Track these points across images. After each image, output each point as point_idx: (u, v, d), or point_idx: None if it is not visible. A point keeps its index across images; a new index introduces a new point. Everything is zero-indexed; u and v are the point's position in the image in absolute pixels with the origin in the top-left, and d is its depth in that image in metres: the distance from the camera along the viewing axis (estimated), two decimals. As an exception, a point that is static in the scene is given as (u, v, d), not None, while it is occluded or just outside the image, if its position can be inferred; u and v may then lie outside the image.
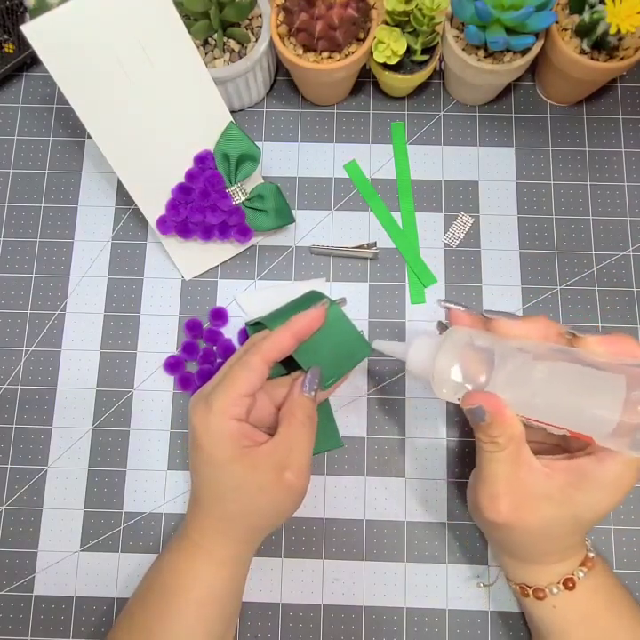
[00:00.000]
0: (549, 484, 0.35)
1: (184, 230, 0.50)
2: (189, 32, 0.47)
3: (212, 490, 0.40)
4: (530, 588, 0.39)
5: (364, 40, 0.49)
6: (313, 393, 0.41)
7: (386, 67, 0.50)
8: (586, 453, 0.35)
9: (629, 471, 0.34)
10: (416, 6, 0.46)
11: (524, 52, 0.48)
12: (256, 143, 0.50)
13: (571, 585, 0.38)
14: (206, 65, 0.48)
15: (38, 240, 0.53)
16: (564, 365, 0.33)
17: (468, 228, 0.53)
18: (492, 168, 0.54)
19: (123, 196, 0.54)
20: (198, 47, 0.49)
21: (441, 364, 0.36)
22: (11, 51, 0.54)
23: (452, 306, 0.39)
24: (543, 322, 0.36)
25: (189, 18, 0.48)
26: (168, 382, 0.51)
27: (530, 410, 0.34)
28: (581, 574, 0.38)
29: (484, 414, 0.34)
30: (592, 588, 0.39)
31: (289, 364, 0.44)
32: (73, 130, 0.55)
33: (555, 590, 0.38)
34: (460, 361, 0.36)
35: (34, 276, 0.53)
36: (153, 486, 0.49)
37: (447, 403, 0.50)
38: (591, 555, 0.40)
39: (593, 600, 0.39)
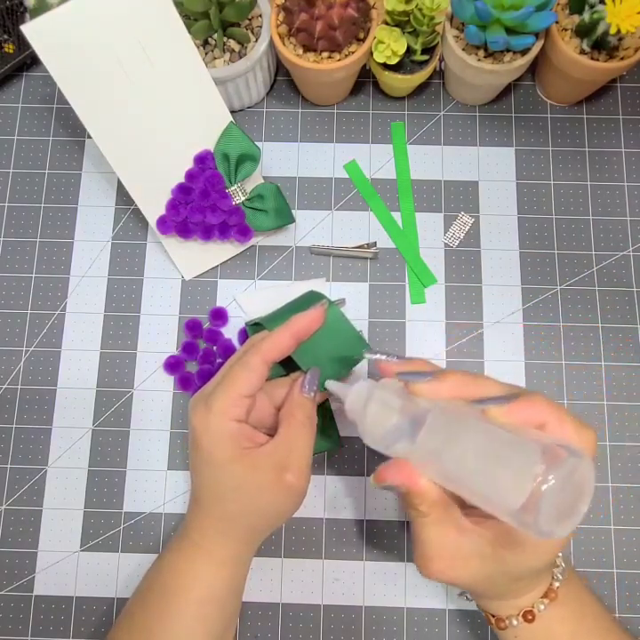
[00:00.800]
0: (479, 543, 0.33)
1: (184, 230, 0.50)
2: (189, 32, 0.47)
3: (211, 490, 0.40)
4: (493, 616, 0.38)
5: (364, 40, 0.49)
6: (312, 394, 0.40)
7: (386, 67, 0.50)
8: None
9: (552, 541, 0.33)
10: (416, 6, 0.46)
11: (524, 52, 0.48)
12: (256, 143, 0.50)
13: (530, 617, 0.36)
14: (206, 65, 0.48)
15: (38, 240, 0.53)
16: (478, 433, 0.30)
17: (468, 228, 0.53)
18: (492, 168, 0.54)
19: (123, 196, 0.54)
20: (198, 47, 0.49)
21: (367, 420, 0.35)
22: (11, 51, 0.54)
23: (380, 357, 0.37)
24: (456, 382, 0.33)
25: (189, 18, 0.48)
26: (168, 382, 0.51)
27: (440, 477, 0.33)
28: (542, 607, 0.36)
29: (399, 486, 0.33)
30: (557, 618, 0.37)
31: (288, 365, 0.44)
32: (73, 130, 0.55)
33: (514, 622, 0.36)
34: (383, 418, 0.34)
35: (34, 275, 0.53)
36: (153, 486, 0.49)
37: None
38: (556, 585, 0.36)
39: (557, 632, 0.37)
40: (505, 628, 0.37)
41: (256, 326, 0.45)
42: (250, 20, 0.50)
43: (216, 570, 0.40)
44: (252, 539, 0.42)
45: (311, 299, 0.44)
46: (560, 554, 0.37)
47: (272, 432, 0.41)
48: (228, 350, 0.50)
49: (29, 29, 0.44)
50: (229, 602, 0.42)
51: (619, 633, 0.38)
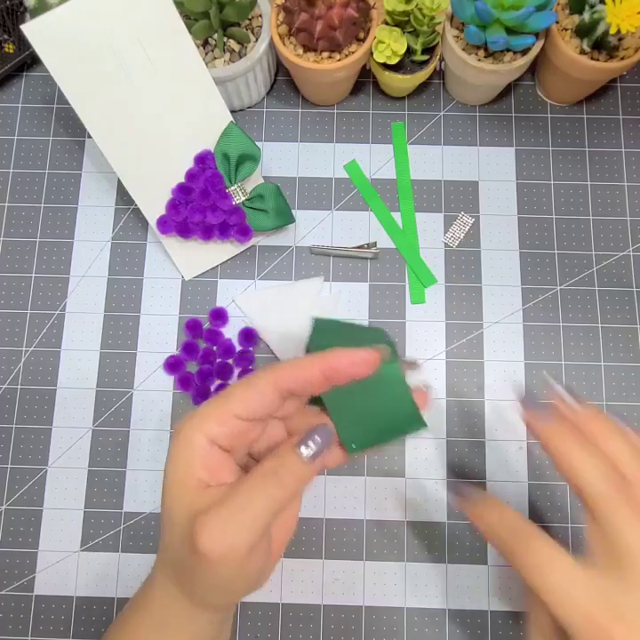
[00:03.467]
0: None
1: (184, 230, 0.50)
2: (189, 32, 0.47)
3: (162, 516, 0.32)
4: None
5: (364, 40, 0.49)
6: (312, 459, 0.31)
7: (386, 67, 0.50)
8: None
9: None
10: (416, 6, 0.46)
11: (524, 52, 0.48)
12: (256, 143, 0.50)
13: None
14: (206, 65, 0.48)
15: (38, 240, 0.53)
16: None
17: (467, 228, 0.53)
18: (492, 168, 0.54)
19: (123, 196, 0.54)
20: (198, 47, 0.49)
21: None
22: (11, 51, 0.54)
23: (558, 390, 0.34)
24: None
25: (189, 18, 0.48)
26: (168, 382, 0.51)
27: None
28: None
29: None
30: None
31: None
32: (73, 130, 0.55)
33: None
34: None
35: (34, 275, 0.53)
36: (153, 486, 0.49)
37: (446, 406, 0.50)
38: None
39: None
40: None
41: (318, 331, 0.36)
42: (250, 19, 0.50)
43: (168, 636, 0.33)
44: (197, 601, 0.33)
45: (376, 337, 0.36)
46: None
47: None
48: (228, 350, 0.50)
49: (29, 29, 0.44)
50: None
51: None
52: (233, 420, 0.31)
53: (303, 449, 0.31)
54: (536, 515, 0.47)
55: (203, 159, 0.49)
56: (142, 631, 0.34)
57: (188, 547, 0.29)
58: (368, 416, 0.33)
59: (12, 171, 0.55)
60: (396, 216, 0.53)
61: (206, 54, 0.50)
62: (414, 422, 0.34)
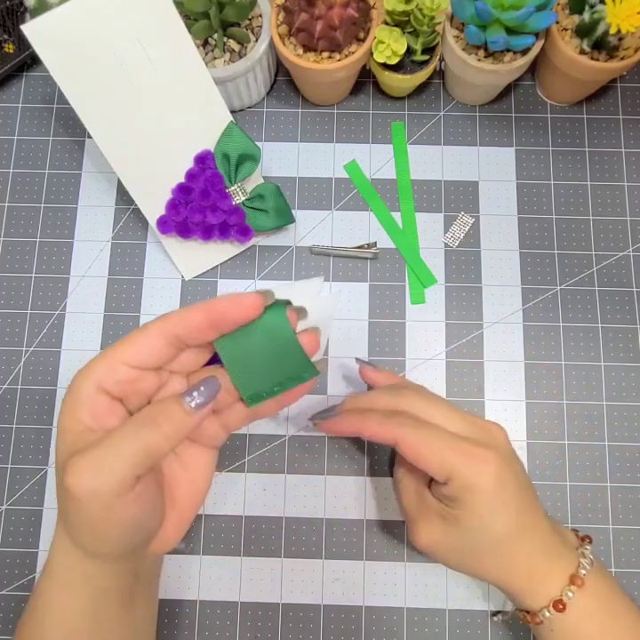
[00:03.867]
0: (436, 504, 0.38)
1: (184, 230, 0.50)
2: (189, 32, 0.47)
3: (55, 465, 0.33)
4: (528, 613, 0.38)
5: (364, 40, 0.49)
6: (196, 411, 0.31)
7: (386, 67, 0.50)
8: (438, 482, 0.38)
9: (475, 473, 0.36)
10: (416, 6, 0.46)
11: (524, 52, 0.48)
12: (256, 143, 0.50)
13: (561, 607, 0.36)
14: (206, 65, 0.48)
15: (38, 240, 0.53)
16: None
17: (467, 228, 0.53)
18: (492, 168, 0.54)
19: (123, 196, 0.54)
20: (198, 47, 0.49)
21: None
22: (11, 51, 0.54)
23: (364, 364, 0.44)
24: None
25: (189, 18, 0.48)
26: (168, 382, 0.51)
27: None
28: (570, 594, 0.36)
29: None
30: (590, 610, 0.37)
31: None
32: (73, 130, 0.55)
33: (547, 614, 0.37)
34: None
35: (34, 275, 0.53)
36: (153, 486, 0.49)
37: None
38: (582, 572, 0.37)
39: (589, 623, 0.37)
40: (540, 622, 0.37)
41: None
42: (250, 19, 0.50)
43: (72, 602, 0.33)
44: (85, 549, 0.32)
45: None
46: (588, 547, 0.39)
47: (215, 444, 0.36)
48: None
49: (29, 29, 0.44)
50: (107, 637, 0.34)
51: None
52: (121, 366, 0.31)
53: (187, 398, 0.31)
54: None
55: (203, 159, 0.49)
56: (47, 590, 0.34)
57: (61, 487, 0.29)
58: (261, 365, 0.34)
59: (11, 171, 0.55)
60: (396, 216, 0.53)
61: (206, 54, 0.50)
62: (305, 369, 0.34)
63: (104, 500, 0.29)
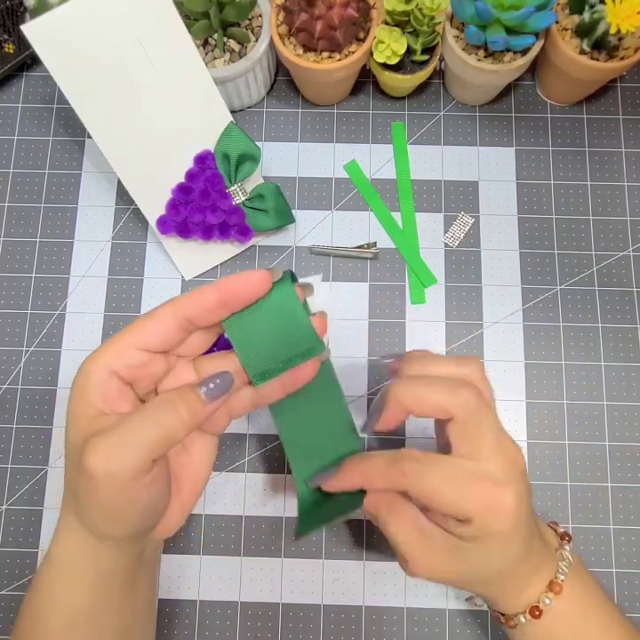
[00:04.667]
0: (441, 538, 0.35)
1: (184, 230, 0.50)
2: (189, 32, 0.47)
3: (65, 451, 0.33)
4: (503, 615, 0.37)
5: (364, 40, 0.49)
6: (211, 400, 0.32)
7: (386, 67, 0.50)
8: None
9: (495, 517, 0.33)
10: (416, 6, 0.46)
11: (524, 52, 0.48)
12: (256, 143, 0.50)
13: (537, 613, 0.36)
14: (206, 65, 0.48)
15: (38, 240, 0.53)
16: None
17: (468, 228, 0.53)
18: (492, 168, 0.54)
19: (123, 196, 0.54)
20: (198, 47, 0.49)
21: None
22: (11, 51, 0.54)
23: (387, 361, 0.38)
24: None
25: (189, 18, 0.48)
26: (168, 382, 0.51)
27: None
28: (548, 601, 0.36)
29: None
30: (560, 616, 0.36)
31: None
32: (73, 130, 0.55)
33: (522, 619, 0.36)
34: None
35: (34, 275, 0.53)
36: (153, 486, 0.49)
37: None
38: (560, 578, 0.36)
39: (561, 626, 0.36)
40: (514, 625, 0.37)
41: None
42: (250, 19, 0.50)
43: (76, 587, 0.33)
44: (95, 530, 0.33)
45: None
46: (567, 547, 0.38)
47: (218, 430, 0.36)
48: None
49: (29, 29, 0.44)
50: (109, 621, 0.34)
51: (622, 632, 0.38)
52: (132, 350, 0.31)
53: (203, 389, 0.32)
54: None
55: (203, 159, 0.49)
56: (50, 574, 0.34)
57: (78, 468, 0.30)
58: (269, 343, 0.33)
59: (11, 171, 0.55)
60: (396, 216, 0.53)
61: (206, 54, 0.50)
62: (313, 344, 0.34)
63: (122, 483, 0.29)
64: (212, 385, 0.32)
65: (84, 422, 0.31)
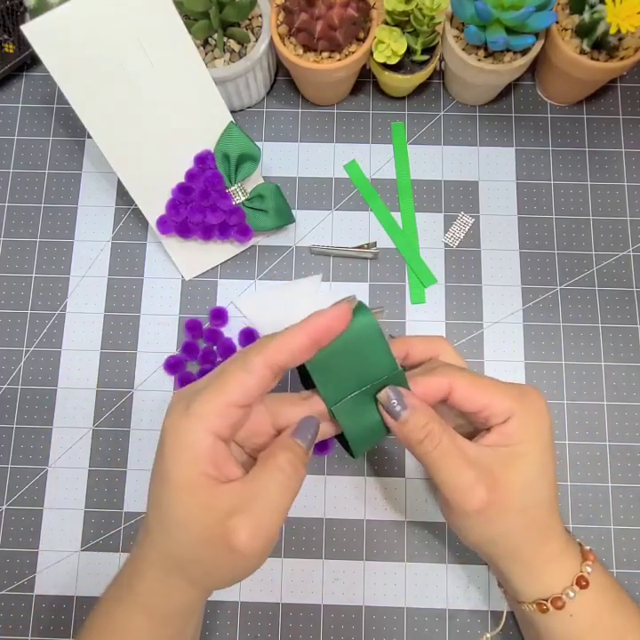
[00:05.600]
0: (495, 454, 0.35)
1: (184, 230, 0.50)
2: (189, 32, 0.47)
3: (159, 514, 0.32)
4: (547, 600, 0.37)
5: (364, 40, 0.49)
6: (305, 443, 0.33)
7: (386, 67, 0.50)
8: (495, 424, 0.36)
9: (533, 403, 0.36)
10: (416, 6, 0.46)
11: (524, 52, 0.48)
12: (256, 143, 0.50)
13: (584, 583, 0.36)
14: (206, 65, 0.48)
15: (38, 240, 0.53)
16: None
17: (467, 228, 0.53)
18: (491, 168, 0.54)
19: (123, 196, 0.54)
20: (198, 47, 0.49)
21: None
22: (11, 51, 0.54)
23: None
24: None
25: (189, 18, 0.48)
26: (168, 382, 0.51)
27: None
28: (589, 569, 0.37)
29: (402, 397, 0.34)
30: (600, 587, 0.37)
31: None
32: (73, 130, 0.55)
33: (571, 594, 0.36)
34: None
35: (34, 275, 0.53)
36: (153, 486, 0.49)
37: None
38: (587, 547, 0.38)
39: (603, 600, 0.37)
40: (562, 605, 0.36)
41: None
42: (250, 19, 0.50)
43: (156, 628, 0.34)
44: (198, 592, 0.34)
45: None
46: (590, 562, 0.38)
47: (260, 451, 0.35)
48: (228, 350, 0.50)
49: (29, 29, 0.44)
50: None
51: None
52: (233, 409, 0.31)
53: (300, 440, 0.33)
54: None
55: (203, 159, 0.49)
56: (130, 607, 0.34)
57: (215, 546, 0.30)
58: (350, 373, 0.34)
59: (11, 171, 0.55)
60: (396, 216, 0.53)
61: (206, 54, 0.50)
62: (391, 370, 0.35)
63: (266, 554, 0.32)
64: (308, 435, 0.33)
65: (204, 496, 0.31)
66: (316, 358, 0.33)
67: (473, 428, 0.39)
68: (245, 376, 0.31)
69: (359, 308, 0.34)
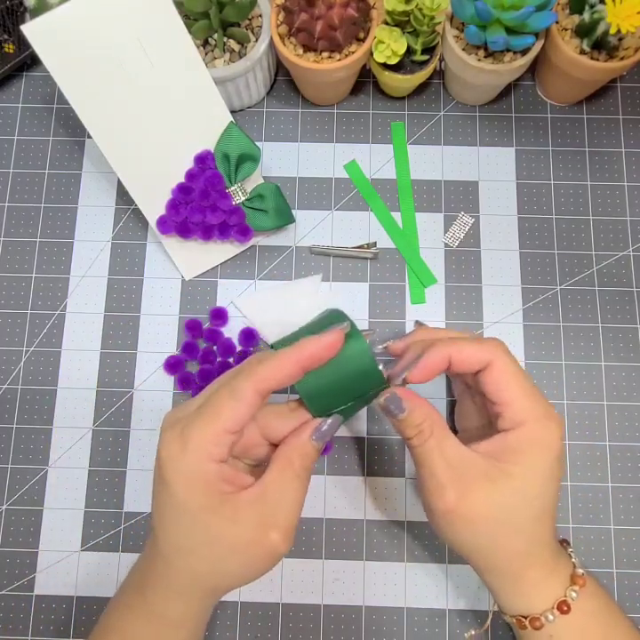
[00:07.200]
0: (483, 463, 0.35)
1: (184, 230, 0.50)
2: (189, 32, 0.47)
3: (179, 541, 0.34)
4: (526, 618, 0.36)
5: (364, 40, 0.49)
6: (322, 443, 0.35)
7: (386, 67, 0.50)
8: (502, 430, 0.36)
9: (548, 429, 0.35)
10: (416, 6, 0.46)
11: (524, 52, 0.48)
12: (256, 143, 0.50)
13: (565, 608, 0.35)
14: (206, 65, 0.48)
15: (38, 240, 0.53)
16: None
17: (467, 228, 0.53)
18: (491, 168, 0.54)
19: (123, 196, 0.54)
20: (198, 47, 0.49)
21: None
22: (11, 51, 0.54)
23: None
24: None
25: (189, 18, 0.48)
26: (168, 382, 0.51)
27: None
28: (574, 595, 0.35)
29: (400, 402, 0.35)
30: (588, 611, 0.36)
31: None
32: (73, 130, 0.55)
33: (550, 617, 0.35)
34: None
35: (34, 275, 0.53)
36: (153, 486, 0.49)
37: (446, 405, 0.50)
38: (580, 571, 0.37)
39: (590, 626, 0.36)
40: (540, 626, 0.36)
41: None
42: (250, 19, 0.50)
43: (171, 634, 0.36)
44: (214, 598, 0.37)
45: (332, 319, 0.37)
46: (571, 549, 0.39)
47: (257, 464, 0.37)
48: (228, 350, 0.50)
49: (29, 29, 0.44)
50: None
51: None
52: (228, 436, 0.33)
53: (319, 442, 0.35)
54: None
55: (203, 159, 0.49)
56: (149, 621, 0.36)
57: (246, 553, 0.33)
58: (338, 390, 0.36)
59: (11, 171, 0.55)
60: (396, 216, 0.53)
61: (206, 54, 0.50)
62: (379, 384, 0.36)
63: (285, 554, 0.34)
64: (328, 438, 0.35)
65: (227, 511, 0.33)
66: (305, 379, 0.34)
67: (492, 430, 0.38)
68: (236, 404, 0.32)
69: (351, 333, 0.35)
